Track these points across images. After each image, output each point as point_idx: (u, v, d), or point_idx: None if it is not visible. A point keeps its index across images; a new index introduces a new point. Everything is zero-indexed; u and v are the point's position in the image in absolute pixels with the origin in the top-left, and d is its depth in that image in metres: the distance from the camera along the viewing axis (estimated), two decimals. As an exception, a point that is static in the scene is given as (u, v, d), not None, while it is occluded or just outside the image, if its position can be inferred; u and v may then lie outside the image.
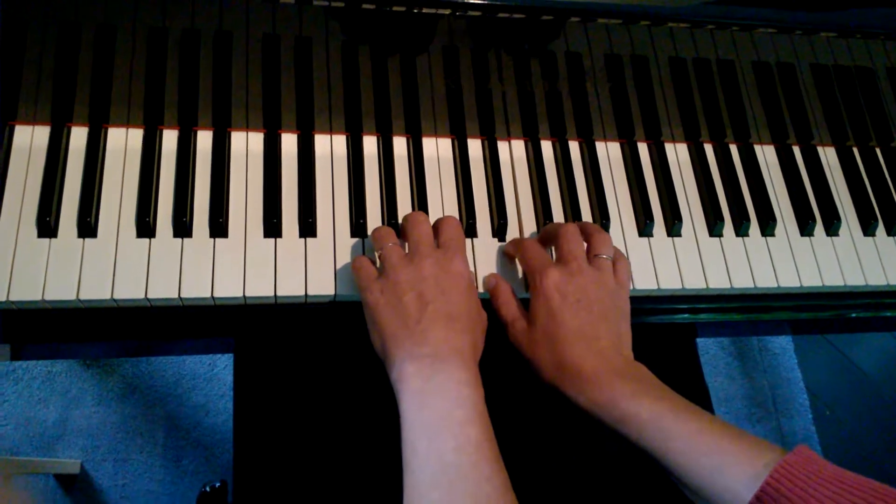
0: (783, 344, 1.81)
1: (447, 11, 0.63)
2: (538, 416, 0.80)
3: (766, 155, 0.86)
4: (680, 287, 0.75)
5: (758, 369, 1.78)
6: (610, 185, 0.80)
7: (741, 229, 0.79)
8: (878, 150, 0.89)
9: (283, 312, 0.70)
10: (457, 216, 0.75)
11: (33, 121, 0.70)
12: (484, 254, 0.73)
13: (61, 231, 0.66)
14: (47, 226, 0.66)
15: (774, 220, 0.80)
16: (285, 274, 0.68)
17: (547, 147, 0.81)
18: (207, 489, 1.04)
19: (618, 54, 0.73)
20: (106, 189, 0.69)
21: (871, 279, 0.79)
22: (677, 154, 0.83)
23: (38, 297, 0.63)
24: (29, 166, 0.69)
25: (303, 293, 0.68)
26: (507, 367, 0.70)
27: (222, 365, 1.60)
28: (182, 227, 0.68)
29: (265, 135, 0.74)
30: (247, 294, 0.66)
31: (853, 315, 0.83)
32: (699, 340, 0.93)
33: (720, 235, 0.79)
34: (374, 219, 0.73)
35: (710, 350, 1.78)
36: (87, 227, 0.66)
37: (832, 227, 0.81)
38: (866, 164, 0.88)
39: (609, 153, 0.82)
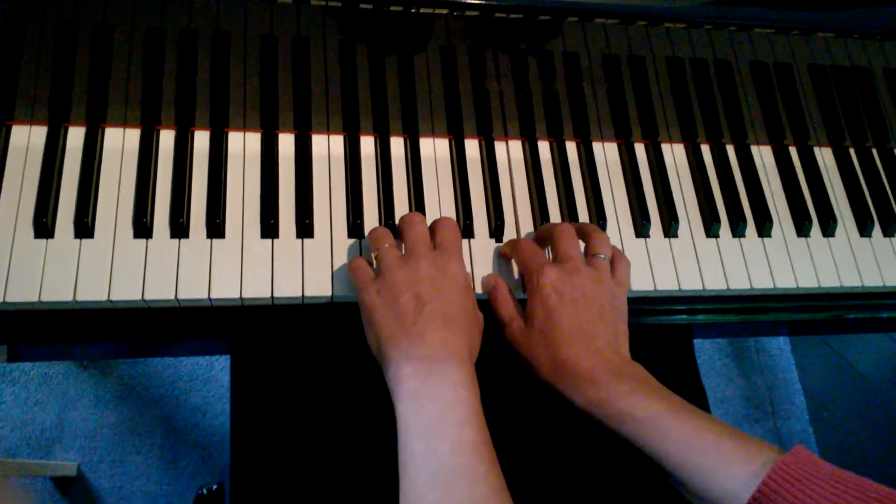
0: (780, 345, 1.81)
1: (444, 11, 0.63)
2: (535, 416, 0.80)
3: (763, 156, 0.86)
4: (677, 288, 0.75)
5: (755, 370, 1.78)
6: (607, 185, 0.80)
7: (738, 230, 0.79)
8: (874, 152, 0.89)
9: (281, 313, 0.70)
10: (454, 217, 0.75)
11: (30, 121, 0.70)
12: (481, 254, 0.73)
13: (58, 232, 0.66)
14: (44, 226, 0.66)
15: (771, 221, 0.80)
16: (282, 275, 0.68)
17: (544, 147, 0.81)
18: (205, 491, 1.03)
19: (615, 54, 0.73)
20: (103, 190, 0.69)
21: (867, 280, 0.79)
22: (674, 155, 0.83)
23: (35, 299, 0.63)
24: (26, 166, 0.69)
25: (300, 294, 0.68)
26: (504, 368, 0.70)
27: (220, 366, 1.60)
28: (179, 228, 0.68)
29: (262, 135, 0.74)
30: (244, 295, 0.66)
31: (850, 316, 0.83)
32: (696, 341, 0.93)
33: (717, 236, 0.79)
34: (371, 219, 0.73)
35: (708, 351, 1.78)
36: (84, 227, 0.66)
37: (829, 228, 0.81)
38: (863, 165, 0.88)
39: (606, 154, 0.82)
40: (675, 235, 0.78)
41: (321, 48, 0.68)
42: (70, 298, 0.63)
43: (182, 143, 0.72)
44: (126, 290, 0.65)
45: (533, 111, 0.78)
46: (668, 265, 0.76)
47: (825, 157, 0.88)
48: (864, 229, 0.83)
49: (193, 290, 0.66)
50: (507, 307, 0.68)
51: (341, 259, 0.70)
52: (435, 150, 0.78)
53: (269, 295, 0.67)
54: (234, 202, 0.71)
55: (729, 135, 0.84)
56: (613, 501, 0.78)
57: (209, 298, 0.66)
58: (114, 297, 0.64)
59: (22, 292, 0.63)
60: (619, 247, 0.76)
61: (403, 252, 0.66)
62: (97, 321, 0.67)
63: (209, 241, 0.68)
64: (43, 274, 0.64)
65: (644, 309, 0.78)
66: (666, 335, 0.90)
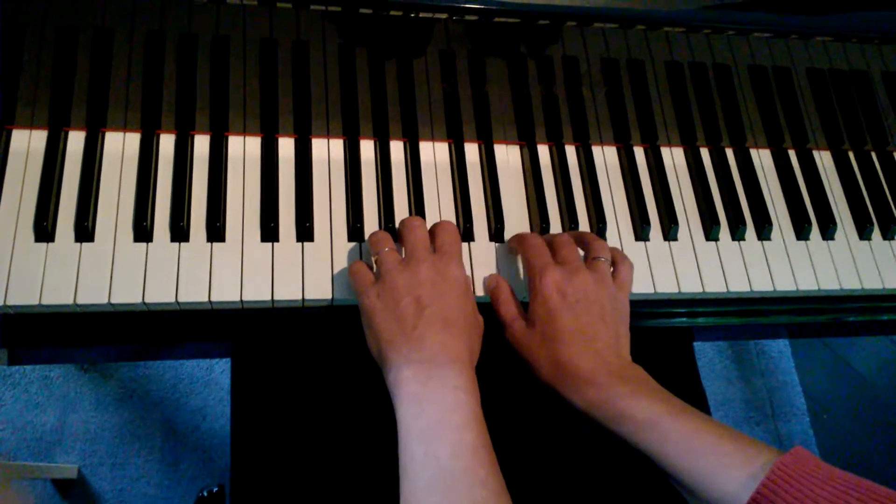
0: (780, 347, 1.81)
1: (444, 16, 0.63)
2: (535, 419, 0.80)
3: (763, 159, 0.86)
4: (676, 291, 0.75)
5: (755, 373, 1.78)
6: (606, 189, 0.80)
7: (737, 233, 0.79)
8: (873, 155, 0.89)
9: (281, 316, 0.70)
10: (454, 220, 0.75)
11: (30, 125, 0.70)
12: (481, 257, 0.73)
13: (58, 235, 0.66)
14: (44, 230, 0.66)
15: (770, 224, 0.80)
16: (282, 278, 0.68)
17: (543, 151, 0.81)
18: (205, 493, 1.04)
19: (614, 58, 0.73)
20: (103, 194, 0.69)
21: (867, 283, 0.79)
22: (673, 158, 0.83)
23: (36, 302, 0.63)
24: (26, 171, 0.69)
25: (300, 297, 0.68)
26: (504, 371, 0.70)
27: (220, 369, 1.60)
28: (179, 232, 0.68)
29: (262, 139, 0.75)
30: (244, 298, 0.66)
31: (850, 319, 0.83)
32: (696, 344, 0.94)
33: (716, 239, 0.79)
34: (371, 223, 0.73)
35: (708, 354, 1.78)
36: (85, 231, 0.66)
37: (828, 231, 0.82)
38: (862, 168, 0.88)
39: (605, 157, 0.82)
40: (675, 238, 0.78)
41: (321, 52, 0.68)
42: (71, 302, 0.63)
43: (182, 147, 0.72)
44: (127, 294, 0.65)
45: (532, 115, 0.78)
46: (668, 268, 0.76)
47: (824, 160, 0.88)
48: (864, 232, 0.83)
49: (194, 293, 0.66)
50: (508, 307, 0.68)
51: (341, 262, 0.70)
52: (435, 153, 0.78)
53: (270, 298, 0.67)
54: (235, 206, 0.71)
55: (728, 138, 0.84)
56: (613, 502, 0.78)
57: (210, 302, 0.66)
58: (114, 301, 0.64)
59: (23, 296, 0.63)
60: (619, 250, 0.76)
61: (403, 256, 0.66)
62: (98, 324, 0.67)
63: (209, 244, 0.69)
64: (43, 277, 0.64)
65: (644, 312, 0.78)
66: (666, 338, 0.90)
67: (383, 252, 0.65)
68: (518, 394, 0.80)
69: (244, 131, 0.74)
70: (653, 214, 0.79)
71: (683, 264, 0.77)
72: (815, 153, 0.88)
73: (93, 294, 0.64)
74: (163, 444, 1.51)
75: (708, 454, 0.54)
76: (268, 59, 0.68)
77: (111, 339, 0.68)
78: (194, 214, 0.70)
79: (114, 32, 0.64)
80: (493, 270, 0.73)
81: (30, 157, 0.69)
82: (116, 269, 0.66)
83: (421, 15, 0.63)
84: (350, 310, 0.68)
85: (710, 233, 0.79)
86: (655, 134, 0.82)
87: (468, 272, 0.72)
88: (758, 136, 0.85)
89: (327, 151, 0.76)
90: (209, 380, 1.59)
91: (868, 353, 1.64)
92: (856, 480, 0.48)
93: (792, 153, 0.87)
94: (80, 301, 0.64)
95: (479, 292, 0.71)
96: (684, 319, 0.79)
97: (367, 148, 0.77)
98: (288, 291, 0.68)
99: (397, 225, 0.70)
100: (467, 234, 0.74)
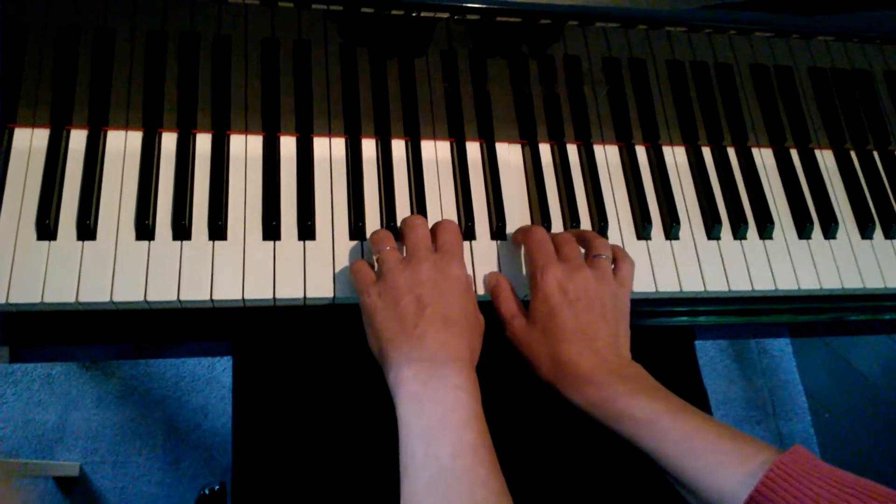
0: (782, 346, 1.81)
1: (445, 15, 0.63)
2: (535, 418, 0.80)
3: (764, 158, 0.86)
4: (678, 290, 0.75)
5: (756, 372, 1.78)
6: (608, 188, 0.80)
7: (739, 232, 0.79)
8: (875, 154, 0.89)
9: (282, 315, 0.70)
10: (455, 219, 0.75)
11: (33, 123, 0.70)
12: (483, 256, 0.73)
13: (61, 233, 0.67)
14: (47, 228, 0.66)
15: (772, 223, 0.80)
16: (284, 276, 0.68)
17: (545, 150, 0.81)
18: (206, 492, 1.04)
19: (616, 58, 0.73)
20: (105, 192, 0.69)
21: (868, 282, 0.79)
22: (675, 157, 0.83)
23: (38, 300, 0.63)
24: (28, 169, 0.69)
25: (301, 296, 0.68)
26: (505, 371, 0.70)
27: (221, 367, 1.60)
28: (181, 230, 0.68)
29: (264, 138, 0.75)
30: (246, 296, 0.67)
31: (852, 318, 0.83)
32: (697, 343, 0.94)
33: (718, 238, 0.79)
34: (372, 222, 0.73)
35: (709, 352, 1.78)
36: (87, 229, 0.67)
37: (830, 230, 0.82)
38: (864, 167, 0.88)
39: (607, 156, 0.82)
40: (677, 237, 0.78)
41: (322, 51, 0.68)
42: (72, 300, 0.64)
43: (184, 146, 0.72)
44: (128, 292, 0.65)
45: (534, 114, 0.78)
46: (670, 267, 0.76)
47: (826, 159, 0.88)
48: (866, 231, 0.83)
49: (196, 291, 0.66)
50: (508, 304, 0.68)
51: (343, 261, 0.70)
52: (436, 152, 0.78)
53: (271, 296, 0.67)
54: (236, 204, 0.71)
55: (730, 137, 0.84)
56: (613, 501, 0.78)
57: (211, 300, 0.66)
58: (116, 299, 0.64)
59: (25, 294, 0.63)
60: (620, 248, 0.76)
61: (405, 254, 0.66)
62: (99, 322, 0.67)
63: (211, 242, 0.69)
64: (45, 275, 0.64)
65: (645, 311, 0.78)
66: (667, 337, 0.90)
67: (385, 251, 0.65)
68: (519, 393, 0.80)
69: (246, 130, 0.74)
70: (654, 213, 0.79)
71: (685, 263, 0.77)
72: (817, 152, 0.88)
73: (95, 292, 0.64)
74: (164, 443, 1.51)
75: (707, 453, 0.54)
76: (269, 58, 0.68)
77: (113, 337, 0.68)
78: (196, 213, 0.70)
79: (115, 31, 0.64)
80: (495, 269, 0.73)
81: (32, 156, 0.69)
82: (118, 268, 0.66)
83: (422, 14, 0.63)
84: (351, 308, 0.68)
85: (712, 232, 0.79)
86: (657, 133, 0.82)
87: (470, 271, 0.72)
88: (760, 135, 0.85)
89: (329, 150, 0.76)
90: (211, 378, 1.59)
91: (870, 353, 1.64)
92: (855, 479, 0.48)
93: (794, 152, 0.87)
94: (82, 299, 0.64)
95: (481, 291, 0.71)
96: (686, 318, 0.79)
97: (368, 147, 0.77)
98: (289, 290, 0.68)
99: (399, 224, 0.70)
100: (469, 233, 0.74)
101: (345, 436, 0.77)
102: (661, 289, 0.75)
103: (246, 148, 0.74)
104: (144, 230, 0.67)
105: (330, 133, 0.76)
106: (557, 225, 0.77)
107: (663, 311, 0.79)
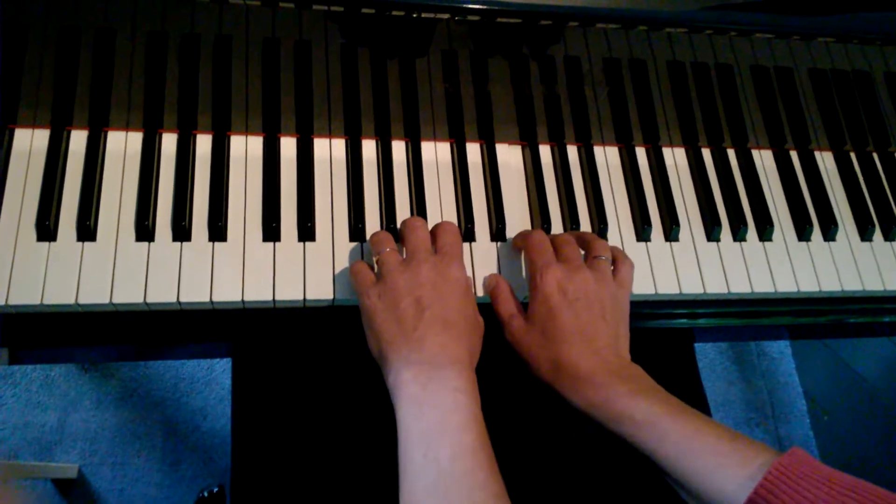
0: (781, 348, 1.81)
1: (446, 16, 0.63)
2: (535, 421, 0.80)
3: (764, 160, 0.86)
4: (678, 292, 0.75)
5: (756, 374, 1.78)
6: (608, 189, 0.80)
7: (739, 234, 0.79)
8: (875, 156, 0.89)
9: (282, 316, 0.70)
10: (455, 220, 0.75)
11: (33, 124, 0.70)
12: (482, 258, 0.73)
13: (60, 235, 0.66)
14: (46, 229, 0.66)
15: (772, 225, 0.80)
16: (284, 278, 0.68)
17: (545, 151, 0.81)
18: (205, 494, 1.04)
19: (616, 58, 0.73)
20: (105, 193, 0.69)
21: (868, 284, 0.79)
22: (675, 158, 0.83)
23: (37, 301, 0.63)
24: (28, 170, 0.69)
25: (301, 297, 0.68)
26: (505, 373, 0.70)
27: (221, 369, 1.60)
28: (181, 231, 0.68)
29: (264, 139, 0.75)
30: (246, 298, 0.66)
31: (851, 320, 0.83)
32: (697, 345, 0.93)
33: (718, 240, 0.79)
34: (372, 223, 0.73)
35: (709, 354, 1.78)
36: (87, 230, 0.66)
37: (829, 232, 0.82)
38: (864, 169, 0.88)
39: (607, 157, 0.82)
40: (676, 239, 0.78)
41: (323, 52, 0.68)
42: (72, 301, 0.63)
43: (184, 147, 0.72)
44: (128, 294, 0.65)
45: (534, 115, 0.78)
46: (669, 269, 0.76)
47: (826, 161, 0.88)
48: (865, 233, 0.83)
49: (195, 293, 0.66)
50: (507, 306, 0.68)
51: (343, 263, 0.70)
52: (436, 153, 0.78)
53: (271, 298, 0.67)
54: (236, 206, 0.71)
55: (730, 138, 0.84)
56: (612, 503, 0.78)
57: (211, 301, 0.66)
58: (116, 301, 0.64)
59: (24, 295, 0.63)
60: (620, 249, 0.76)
61: (405, 256, 0.66)
62: (99, 324, 0.67)
63: (211, 244, 0.69)
64: (45, 277, 0.64)
65: (645, 313, 0.78)
66: (667, 339, 0.90)
67: (384, 252, 0.65)
68: (518, 395, 0.80)
69: (246, 131, 0.74)
70: (654, 215, 0.79)
71: (684, 265, 0.77)
72: (817, 154, 0.88)
73: (94, 294, 0.64)
74: (163, 444, 1.51)
75: (706, 454, 0.54)
76: (270, 58, 0.68)
77: (112, 338, 0.68)
78: (196, 214, 0.70)
79: (116, 32, 0.64)
80: (495, 271, 0.73)
81: (32, 157, 0.69)
82: (118, 269, 0.66)
83: (423, 15, 0.63)
84: (351, 310, 0.68)
85: (712, 233, 0.79)
86: (657, 134, 0.82)
87: (469, 272, 0.72)
88: (760, 137, 0.85)
89: (329, 151, 0.76)
90: (210, 379, 1.59)
91: (869, 355, 1.64)
92: (853, 482, 0.48)
93: (794, 154, 0.87)
94: (81, 301, 0.64)
95: (480, 293, 0.71)
96: (685, 321, 0.79)
97: (368, 148, 0.77)
98: (289, 291, 0.68)
99: (399, 225, 0.70)
100: (469, 235, 0.74)
101: (344, 438, 0.77)
102: (661, 291, 0.75)
103: (246, 149, 0.74)
104: (144, 231, 0.67)
105: (330, 134, 0.76)
106: (557, 226, 0.77)
107: (663, 313, 0.78)
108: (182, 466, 1.50)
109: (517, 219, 0.77)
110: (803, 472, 0.49)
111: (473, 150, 0.79)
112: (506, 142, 0.80)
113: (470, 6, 0.62)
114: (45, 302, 0.63)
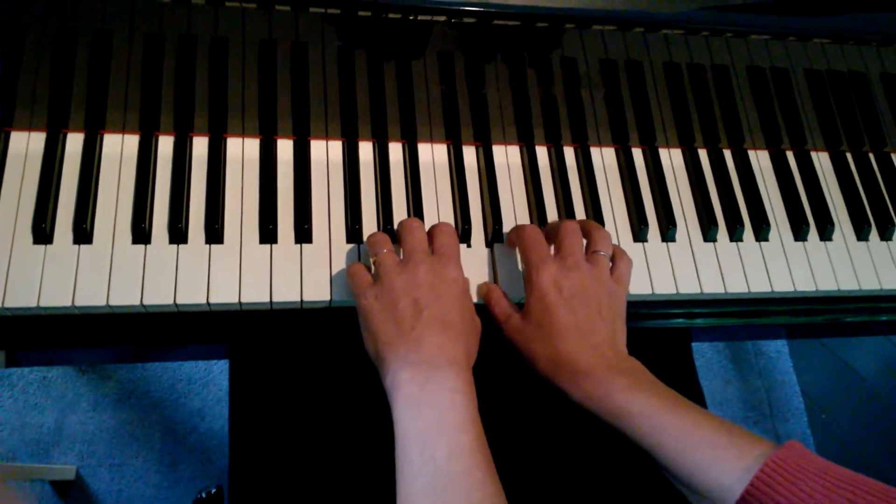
0: (778, 347, 1.81)
1: (442, 18, 0.63)
2: (532, 421, 0.80)
3: (760, 160, 0.86)
4: (674, 292, 0.75)
5: (753, 372, 1.78)
6: (605, 190, 0.80)
7: (735, 234, 0.79)
8: (871, 156, 0.89)
9: (279, 318, 0.70)
10: (452, 222, 0.75)
11: (29, 127, 0.70)
12: (479, 259, 0.73)
13: (57, 237, 0.66)
14: (43, 232, 0.66)
15: (768, 224, 0.80)
16: (281, 280, 0.68)
17: (542, 152, 0.81)
18: (203, 495, 1.04)
19: (612, 60, 0.73)
20: (101, 195, 0.69)
21: (864, 284, 0.79)
22: (671, 159, 0.83)
23: (34, 304, 0.63)
24: (24, 172, 0.69)
25: (298, 299, 0.68)
26: (502, 373, 0.70)
27: (218, 370, 1.60)
28: (178, 234, 0.68)
29: (261, 140, 0.75)
30: (242, 300, 0.66)
31: (848, 319, 0.83)
32: (694, 344, 0.94)
33: (714, 240, 0.79)
34: (369, 224, 0.73)
35: (706, 353, 1.78)
36: (83, 233, 0.66)
37: (826, 231, 0.82)
38: (860, 169, 0.88)
39: (604, 158, 0.82)
40: (673, 240, 0.78)
41: (319, 54, 0.68)
42: (69, 304, 0.63)
43: (181, 149, 0.72)
44: (125, 296, 0.65)
45: (531, 117, 0.78)
46: (666, 269, 0.76)
47: (822, 161, 0.88)
48: (861, 233, 0.83)
49: (192, 295, 0.66)
50: (501, 306, 0.68)
51: (340, 264, 0.70)
52: (433, 155, 0.78)
53: (268, 300, 0.67)
54: (233, 208, 0.71)
55: (726, 139, 0.84)
56: (610, 500, 0.78)
57: (208, 303, 0.66)
58: (112, 303, 0.64)
59: (21, 298, 0.63)
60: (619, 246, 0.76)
61: (402, 257, 0.66)
62: (96, 326, 0.67)
63: (208, 246, 0.69)
64: (42, 279, 0.64)
65: (642, 313, 0.78)
66: (664, 339, 0.90)
67: (381, 253, 0.65)
68: (516, 395, 0.80)
69: (243, 133, 0.74)
70: (651, 216, 0.79)
71: (681, 265, 0.77)
72: (813, 154, 0.88)
73: (91, 296, 0.64)
74: (161, 446, 1.51)
75: (703, 447, 0.54)
76: (267, 60, 0.68)
77: (109, 340, 0.68)
78: (193, 216, 0.70)
79: (113, 34, 0.64)
80: (492, 272, 0.73)
81: (28, 159, 0.69)
82: (115, 271, 0.66)
83: (419, 17, 0.63)
84: (348, 311, 0.68)
85: (708, 234, 0.79)
86: (654, 135, 0.82)
87: (466, 273, 0.72)
88: (756, 138, 0.85)
89: (326, 153, 0.76)
90: (207, 381, 1.59)
91: (866, 354, 1.64)
92: (849, 475, 0.49)
93: (790, 154, 0.87)
94: (78, 303, 0.64)
95: (476, 295, 0.71)
96: (682, 320, 0.79)
97: (365, 150, 0.77)
98: (286, 293, 0.68)
99: (396, 227, 0.70)
100: (465, 236, 0.74)
101: (341, 438, 0.77)
102: (658, 291, 0.75)
103: (243, 151, 0.74)
104: (141, 234, 0.67)
105: (327, 136, 0.76)
106: (554, 227, 0.77)
107: (660, 313, 0.79)
108: (180, 467, 1.50)
109: (514, 220, 0.77)
110: (800, 464, 0.50)
111: (470, 152, 0.79)
112: (503, 143, 0.80)
113: (466, 8, 0.62)
114: (42, 304, 0.63)
